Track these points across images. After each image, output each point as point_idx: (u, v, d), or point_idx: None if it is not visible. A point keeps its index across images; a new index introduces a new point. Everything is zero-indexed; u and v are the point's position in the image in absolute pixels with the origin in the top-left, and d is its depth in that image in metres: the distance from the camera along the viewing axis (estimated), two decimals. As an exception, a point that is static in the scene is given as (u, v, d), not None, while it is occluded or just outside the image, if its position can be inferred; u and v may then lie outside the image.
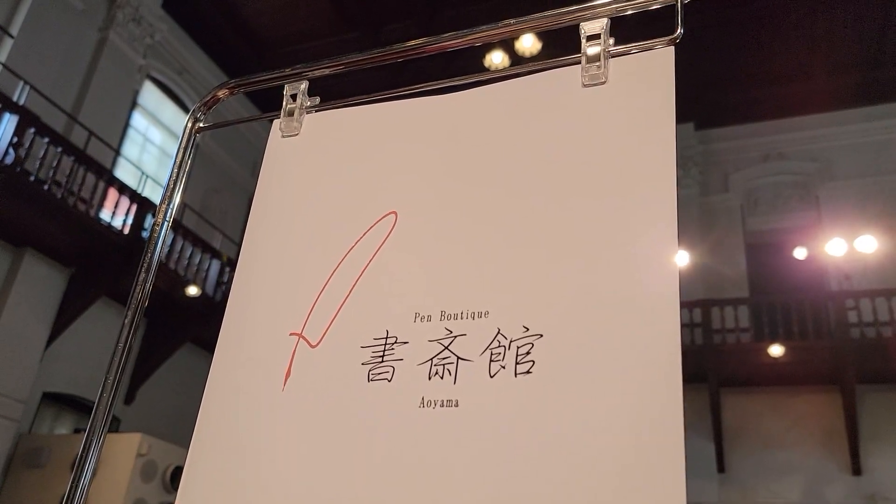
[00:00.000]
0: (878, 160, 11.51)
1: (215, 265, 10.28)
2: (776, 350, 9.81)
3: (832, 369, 9.76)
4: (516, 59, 8.20)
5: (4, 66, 8.07)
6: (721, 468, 10.26)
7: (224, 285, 10.28)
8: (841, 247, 10.28)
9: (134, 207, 8.85)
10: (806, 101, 11.26)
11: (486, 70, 1.00)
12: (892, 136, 11.50)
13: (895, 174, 11.36)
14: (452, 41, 0.97)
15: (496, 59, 8.30)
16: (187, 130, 1.01)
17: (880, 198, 11.20)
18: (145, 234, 8.81)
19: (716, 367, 10.03)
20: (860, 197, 11.34)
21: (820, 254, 10.74)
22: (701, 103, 11.16)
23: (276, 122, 1.01)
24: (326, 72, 1.01)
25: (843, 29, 10.21)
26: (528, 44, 7.70)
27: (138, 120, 10.74)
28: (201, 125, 1.02)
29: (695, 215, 11.90)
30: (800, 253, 11.23)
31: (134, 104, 10.54)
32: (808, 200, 12.02)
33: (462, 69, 1.01)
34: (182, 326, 9.70)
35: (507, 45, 8.39)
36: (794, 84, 11.17)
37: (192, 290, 9.43)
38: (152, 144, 11.08)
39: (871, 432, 9.82)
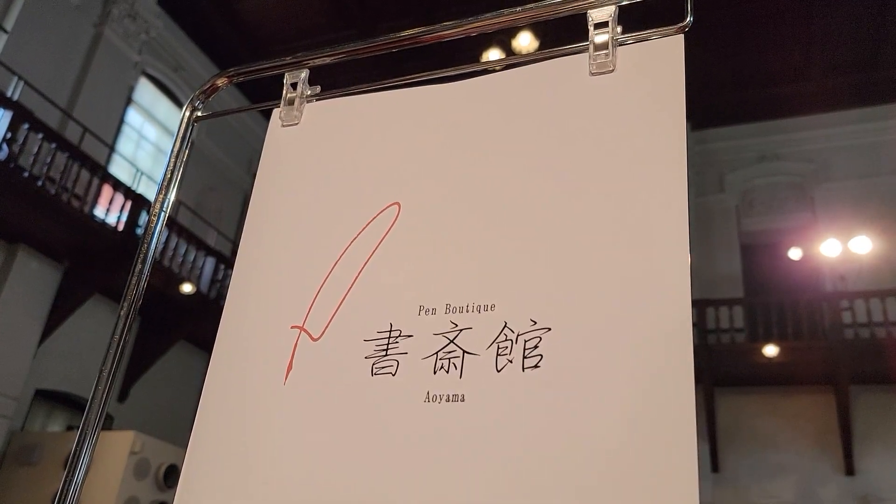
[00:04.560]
0: (874, 161, 11.54)
1: (210, 262, 10.25)
2: (771, 350, 9.82)
3: (826, 370, 9.78)
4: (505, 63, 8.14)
5: (-2, 61, 8.03)
6: (715, 468, 10.27)
7: (219, 283, 10.25)
8: (836, 248, 10.30)
9: (128, 204, 8.80)
10: (802, 102, 11.29)
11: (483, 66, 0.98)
12: (888, 138, 11.53)
13: (890, 175, 11.39)
14: (454, 30, 0.95)
15: (493, 57, 8.28)
16: (185, 119, 0.99)
17: (875, 199, 11.23)
18: (139, 231, 8.76)
19: (710, 367, 10.04)
20: (855, 198, 11.37)
21: (815, 254, 10.77)
22: (697, 104, 11.16)
23: (275, 112, 0.99)
24: (327, 60, 0.99)
25: (839, 30, 10.23)
26: (526, 42, 7.69)
27: (133, 116, 10.69)
28: (199, 114, 1.00)
29: (690, 215, 11.88)
30: (795, 254, 11.26)
31: (129, 100, 10.49)
32: (804, 201, 12.04)
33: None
34: (176, 324, 9.67)
35: (504, 44, 8.38)
36: (790, 85, 11.19)
37: (187, 288, 9.39)
38: (147, 141, 11.03)
39: (865, 433, 9.85)
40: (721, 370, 10.13)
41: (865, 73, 10.84)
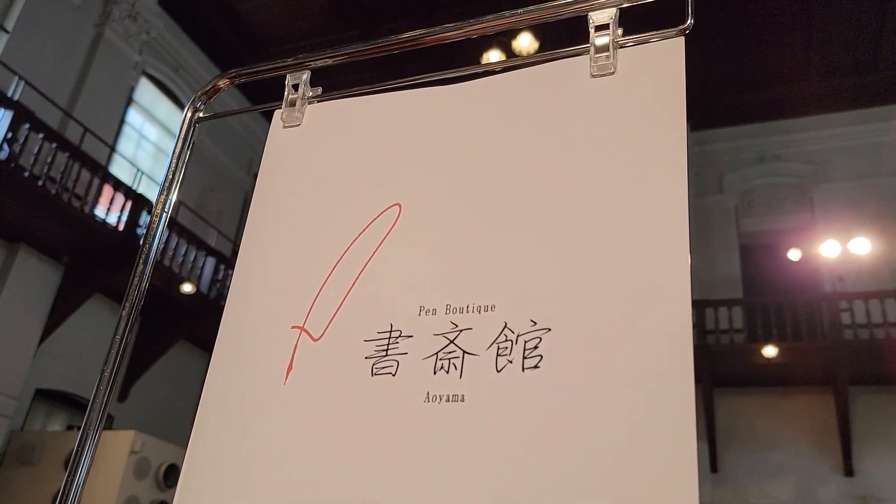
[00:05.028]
0: (873, 162, 11.55)
1: (210, 263, 10.25)
2: (770, 351, 9.82)
3: (825, 370, 9.78)
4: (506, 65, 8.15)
5: (-1, 60, 8.03)
6: (714, 468, 10.27)
7: (219, 283, 10.25)
8: (835, 248, 10.30)
9: (129, 204, 8.79)
10: (801, 103, 11.29)
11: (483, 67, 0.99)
12: (887, 139, 11.54)
13: (889, 176, 11.39)
14: (455, 31, 0.95)
15: (493, 58, 8.28)
16: (186, 120, 1.00)
17: (874, 200, 11.24)
18: (140, 231, 8.77)
19: (709, 367, 10.04)
20: (854, 199, 11.37)
21: (814, 255, 10.77)
22: (697, 104, 11.16)
23: (277, 113, 0.99)
24: (329, 62, 0.99)
25: (839, 31, 10.23)
26: (526, 43, 7.69)
27: (133, 116, 10.69)
28: (201, 115, 1.01)
29: (689, 216, 11.89)
30: (794, 254, 11.26)
31: (129, 100, 10.49)
32: (803, 202, 12.05)
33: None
34: (176, 324, 9.67)
35: (504, 45, 8.38)
36: (790, 86, 11.19)
37: (187, 288, 9.39)
38: (147, 141, 11.03)
39: (864, 434, 9.85)
40: (720, 371, 10.13)
41: (865, 74, 10.84)
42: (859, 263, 10.38)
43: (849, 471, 9.75)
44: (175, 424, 9.52)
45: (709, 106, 11.45)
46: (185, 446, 0.83)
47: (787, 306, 10.35)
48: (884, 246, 10.42)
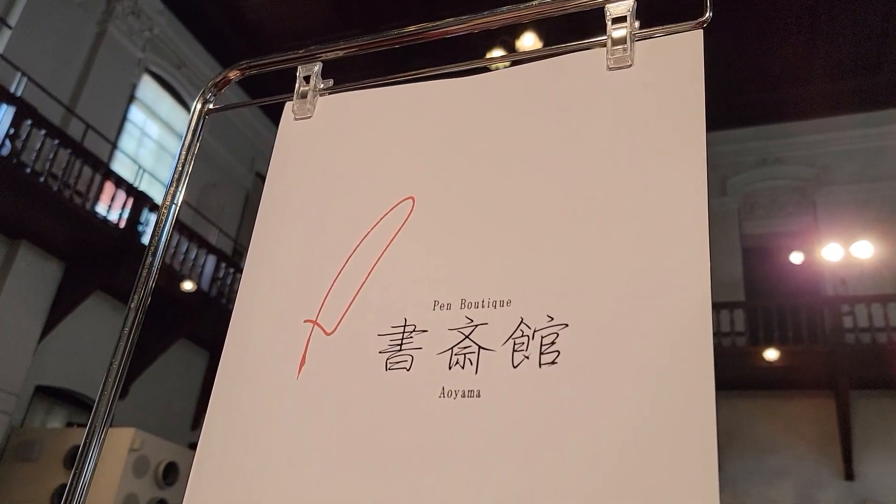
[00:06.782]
0: (876, 166, 11.53)
1: (211, 261, 10.23)
2: (771, 354, 9.81)
3: (827, 374, 9.76)
4: (516, 58, 8.14)
5: (2, 56, 8.01)
6: (714, 471, 10.25)
7: (220, 281, 10.23)
8: (837, 252, 10.28)
9: (130, 202, 8.78)
10: (804, 105, 11.27)
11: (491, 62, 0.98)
12: (890, 142, 11.52)
13: (892, 180, 11.37)
14: (463, 24, 0.94)
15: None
16: (196, 112, 0.98)
17: (877, 203, 11.22)
18: (141, 229, 8.76)
19: (711, 370, 10.01)
20: (857, 202, 11.36)
21: (816, 259, 10.75)
22: (700, 106, 11.11)
23: (288, 105, 0.98)
24: (340, 54, 0.98)
25: (843, 34, 10.22)
26: (530, 43, 7.68)
27: (136, 114, 10.67)
28: (211, 107, 0.99)
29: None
30: (796, 258, 11.24)
31: (132, 98, 10.48)
32: (805, 205, 12.03)
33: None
34: (177, 322, 9.64)
35: (508, 44, 8.36)
36: (793, 89, 11.17)
37: (188, 286, 9.37)
38: (149, 139, 11.02)
39: (865, 438, 9.84)
40: (721, 374, 9.93)
41: (868, 77, 10.82)
42: (861, 267, 10.36)
43: (849, 475, 9.73)
44: (175, 422, 9.51)
45: (711, 107, 11.35)
46: (184, 444, 0.81)
47: (788, 309, 10.33)
48: (886, 249, 10.40)
